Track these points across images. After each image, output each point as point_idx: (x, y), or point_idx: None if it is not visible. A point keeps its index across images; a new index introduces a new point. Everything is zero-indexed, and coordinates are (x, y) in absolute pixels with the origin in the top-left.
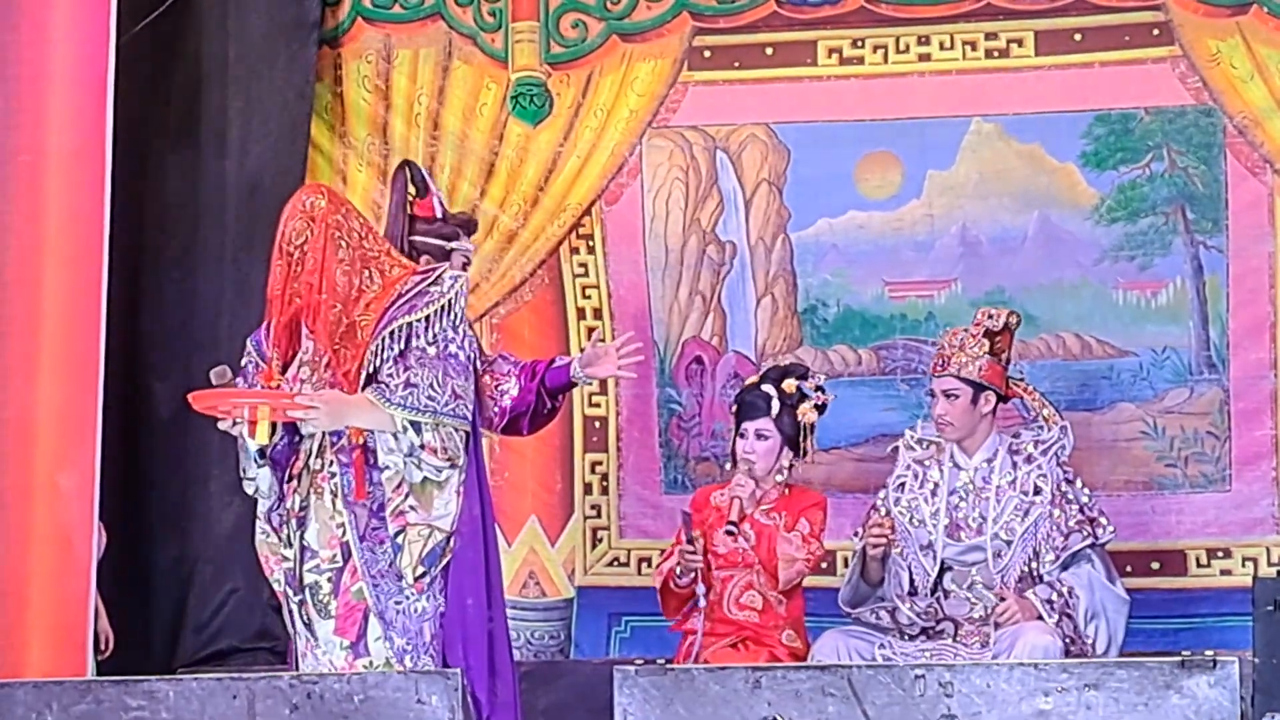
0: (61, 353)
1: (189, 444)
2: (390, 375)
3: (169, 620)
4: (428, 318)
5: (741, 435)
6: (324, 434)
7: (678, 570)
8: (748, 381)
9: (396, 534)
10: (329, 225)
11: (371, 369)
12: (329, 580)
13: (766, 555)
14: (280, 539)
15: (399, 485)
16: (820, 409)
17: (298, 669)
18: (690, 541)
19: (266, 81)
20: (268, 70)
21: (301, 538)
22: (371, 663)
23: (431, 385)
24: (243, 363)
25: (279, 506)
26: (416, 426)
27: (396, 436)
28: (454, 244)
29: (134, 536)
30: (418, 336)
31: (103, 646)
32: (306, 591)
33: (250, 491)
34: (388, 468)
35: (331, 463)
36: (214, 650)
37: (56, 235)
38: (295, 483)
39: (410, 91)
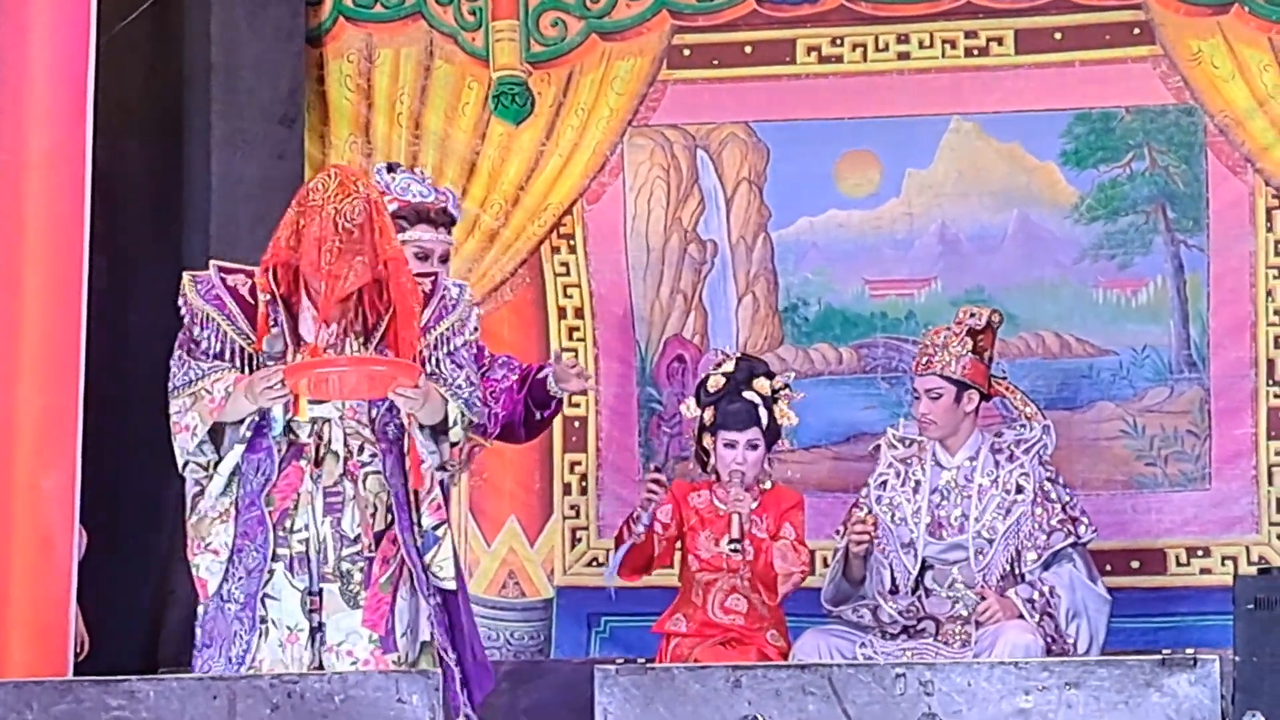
0: (42, 354)
1: (171, 446)
2: (452, 372)
3: (149, 621)
4: (461, 321)
5: (730, 446)
6: (341, 418)
7: (633, 517)
8: (712, 385)
9: (436, 527)
10: (382, 210)
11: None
12: (361, 570)
13: (763, 569)
14: (268, 524)
15: (431, 479)
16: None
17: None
18: (659, 484)
19: (252, 80)
20: (253, 69)
21: (338, 524)
22: (400, 659)
23: (474, 386)
24: (197, 334)
25: (265, 488)
26: (466, 423)
27: (436, 431)
28: (404, 235)
29: (114, 538)
30: (458, 335)
31: (78, 649)
32: (339, 580)
33: (207, 468)
34: (423, 460)
35: (362, 448)
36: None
37: (36, 235)
38: (312, 467)
39: (392, 91)
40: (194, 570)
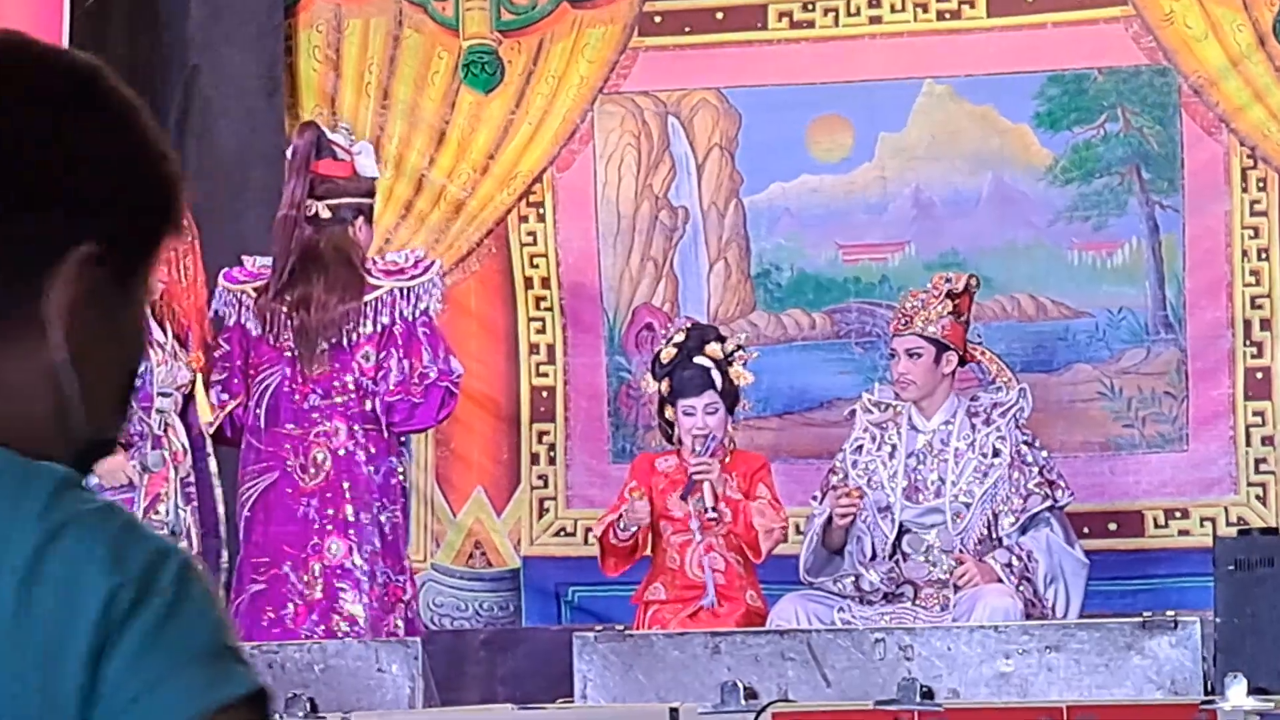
0: None
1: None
2: None
3: None
4: None
5: (689, 414)
6: None
7: (619, 524)
8: (664, 357)
9: None
10: None
11: None
12: None
13: (744, 529)
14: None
15: None
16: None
17: None
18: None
19: (232, 55)
20: (232, 44)
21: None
22: None
23: None
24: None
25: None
26: None
27: None
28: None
29: None
30: None
31: None
32: None
33: None
34: None
35: None
36: None
37: None
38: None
39: (361, 61)
40: None
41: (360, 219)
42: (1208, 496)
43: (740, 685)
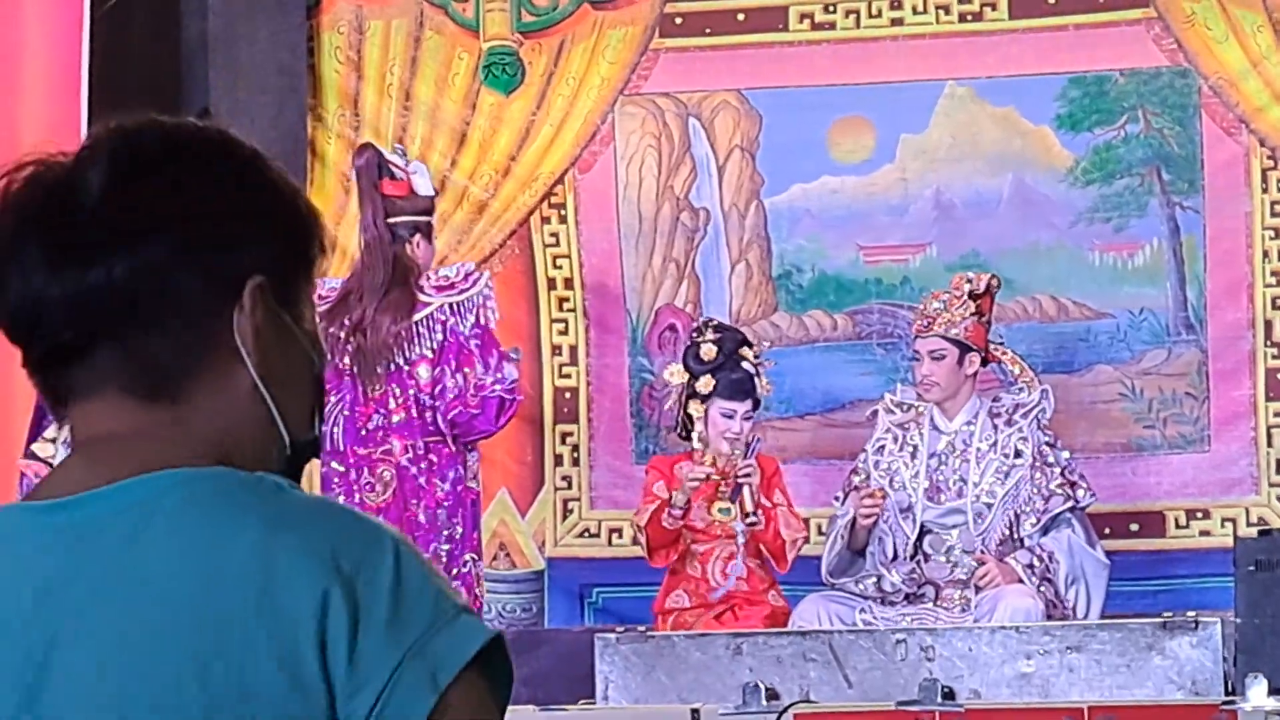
0: None
1: None
2: None
3: None
4: None
5: (726, 415)
6: None
7: (672, 504)
8: (705, 354)
9: None
10: None
11: None
12: None
13: (772, 536)
14: None
15: None
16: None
17: None
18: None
19: (251, 56)
20: (251, 44)
21: None
22: None
23: None
24: None
25: None
26: None
27: None
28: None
29: None
30: None
31: None
32: None
33: None
34: None
35: None
36: None
37: None
38: None
39: (382, 62)
40: None
41: (418, 236)
42: (1229, 497)
43: (762, 686)
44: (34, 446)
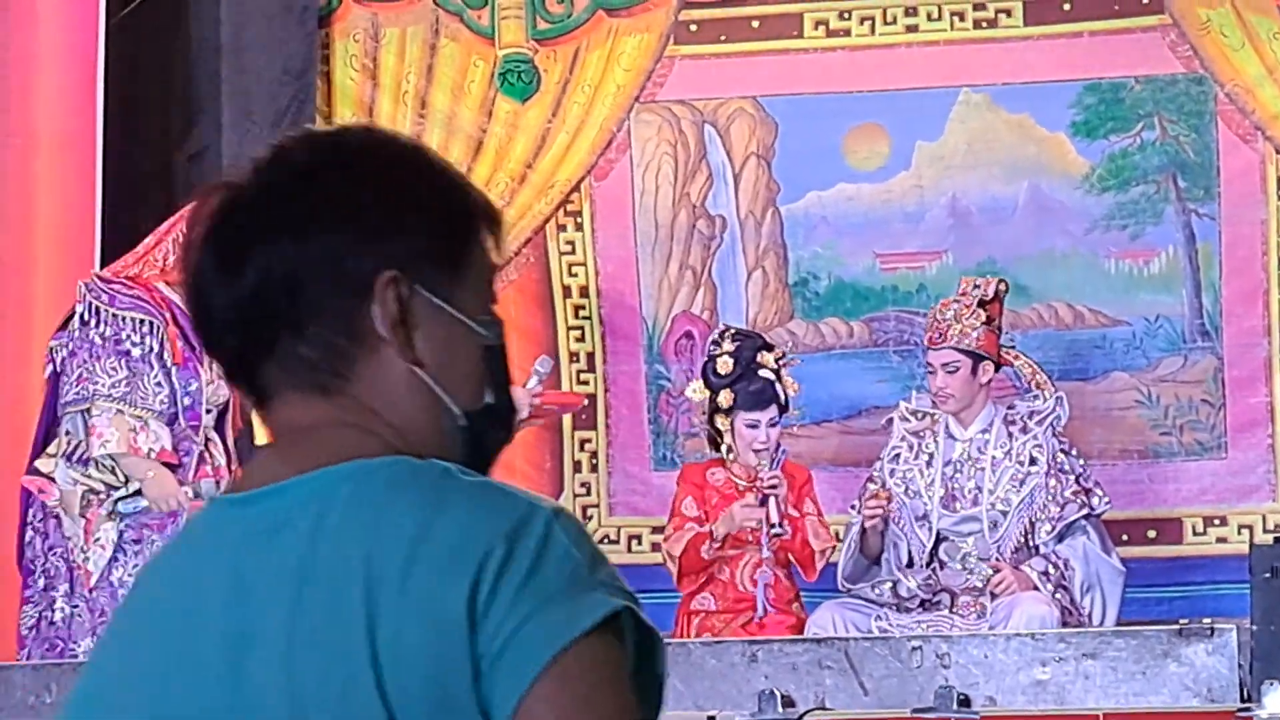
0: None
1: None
2: None
3: None
4: None
5: (752, 426)
6: None
7: (704, 552)
8: (722, 367)
9: None
10: None
11: None
12: None
13: (799, 546)
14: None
15: None
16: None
17: None
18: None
19: (261, 61)
20: (263, 50)
21: None
22: None
23: None
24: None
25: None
26: None
27: None
28: None
29: None
30: None
31: None
32: None
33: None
34: None
35: None
36: None
37: (48, 218)
38: None
39: (399, 70)
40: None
41: None
42: (1246, 504)
43: (778, 694)
44: (37, 462)
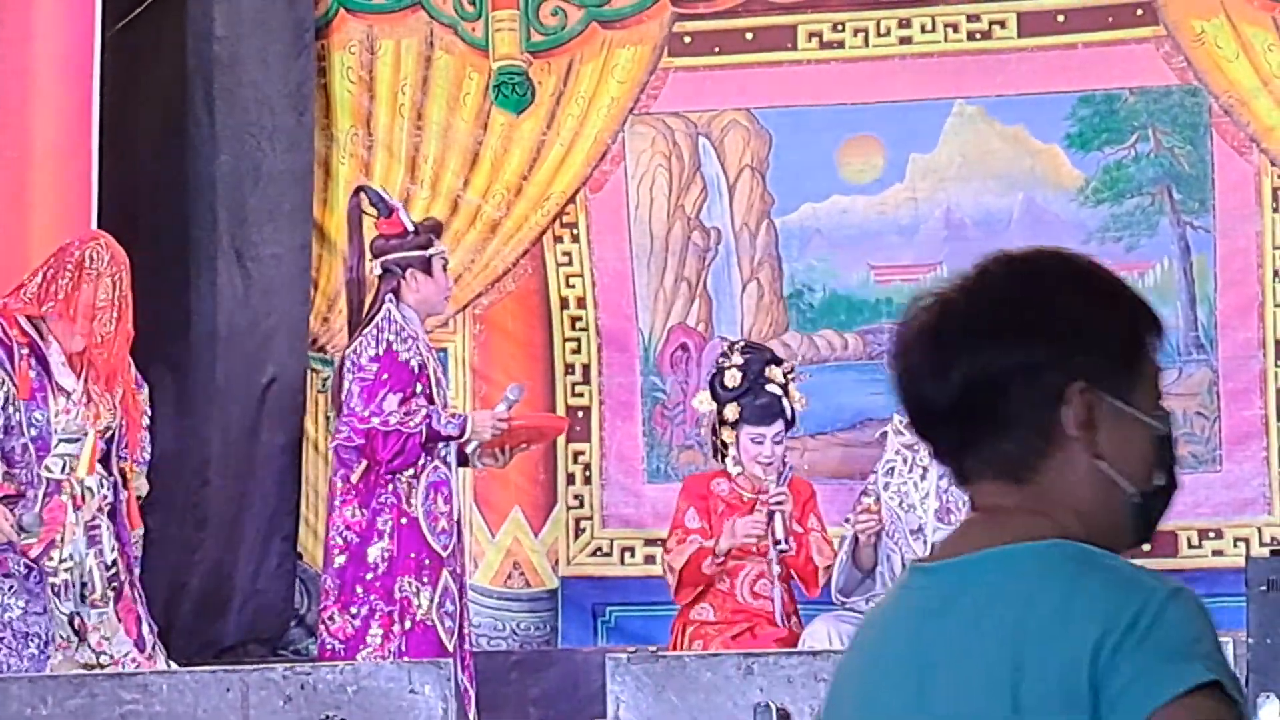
0: None
1: (186, 443)
2: None
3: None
4: None
5: (756, 441)
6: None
7: (706, 567)
8: (730, 381)
9: None
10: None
11: None
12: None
13: (803, 562)
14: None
15: None
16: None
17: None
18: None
19: (259, 73)
20: (260, 61)
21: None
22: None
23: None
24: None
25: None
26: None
27: None
28: (432, 250)
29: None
30: None
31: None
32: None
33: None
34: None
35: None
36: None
37: (43, 229)
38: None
39: (394, 82)
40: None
41: (411, 271)
42: (1241, 517)
43: (773, 706)
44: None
